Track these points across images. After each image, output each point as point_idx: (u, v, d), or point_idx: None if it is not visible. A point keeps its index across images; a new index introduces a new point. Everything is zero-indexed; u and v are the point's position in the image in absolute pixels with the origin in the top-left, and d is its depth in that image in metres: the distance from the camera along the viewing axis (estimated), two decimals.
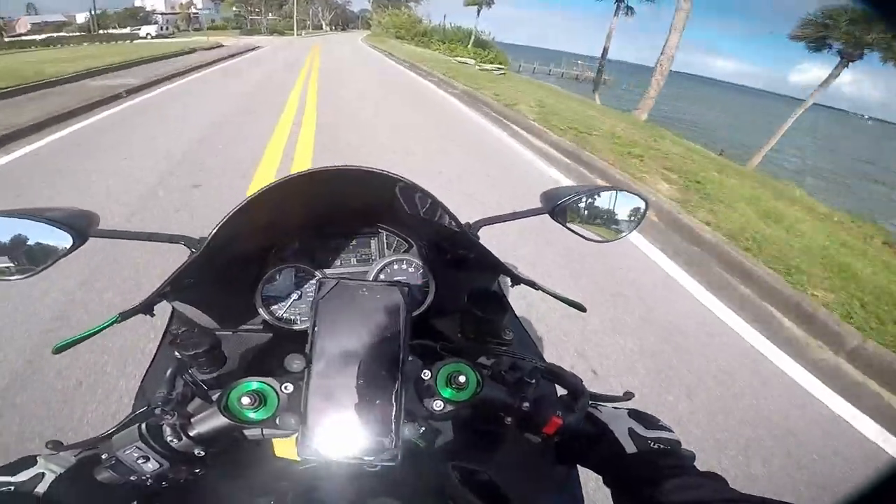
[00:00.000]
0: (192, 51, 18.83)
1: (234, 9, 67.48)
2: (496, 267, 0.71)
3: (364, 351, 0.50)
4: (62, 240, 0.51)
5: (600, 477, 0.53)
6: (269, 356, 0.72)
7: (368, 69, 16.03)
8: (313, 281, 0.76)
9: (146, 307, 0.62)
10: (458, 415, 0.54)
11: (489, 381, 0.54)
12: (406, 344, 0.50)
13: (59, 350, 0.58)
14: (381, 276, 0.81)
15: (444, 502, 0.56)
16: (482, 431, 0.64)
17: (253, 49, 23.02)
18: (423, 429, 0.51)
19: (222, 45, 24.31)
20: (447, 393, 0.52)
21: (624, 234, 0.72)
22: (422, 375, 0.53)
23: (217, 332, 0.68)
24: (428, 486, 0.57)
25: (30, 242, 0.51)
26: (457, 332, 0.76)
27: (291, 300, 0.78)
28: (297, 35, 49.38)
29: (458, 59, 21.88)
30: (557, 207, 0.66)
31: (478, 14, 33.86)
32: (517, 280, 0.72)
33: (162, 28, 43.78)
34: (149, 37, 48.37)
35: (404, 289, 0.53)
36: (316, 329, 0.50)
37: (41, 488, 0.43)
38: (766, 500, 0.39)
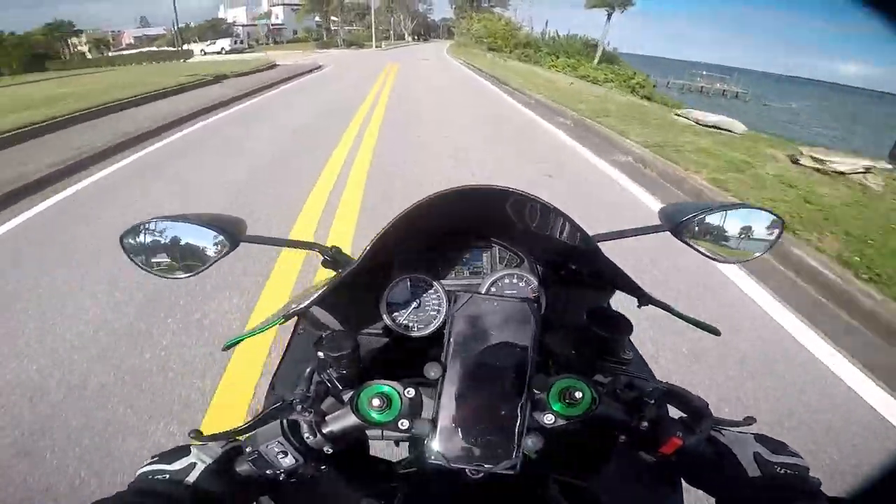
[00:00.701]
0: (223, 77, 13.71)
1: (316, 19, 65.20)
2: (622, 284, 0.68)
3: (494, 363, 0.52)
4: (218, 243, 0.56)
5: (712, 500, 0.53)
6: (387, 360, 0.74)
7: (477, 115, 8.76)
8: (432, 291, 0.78)
9: (304, 311, 0.66)
10: (568, 430, 0.54)
11: (605, 399, 0.54)
12: (534, 359, 0.52)
13: (228, 347, 0.67)
14: (493, 290, 0.80)
15: None
16: (586, 446, 0.64)
17: (310, 71, 17.89)
18: (542, 442, 0.52)
19: (275, 66, 19.06)
20: (558, 407, 0.52)
21: (755, 254, 0.67)
22: (535, 390, 0.54)
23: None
24: (529, 497, 0.58)
25: (191, 245, 0.57)
26: (568, 349, 0.75)
27: (411, 308, 0.80)
28: (376, 47, 45.45)
29: (585, 80, 15.15)
30: (681, 225, 0.63)
31: (608, 19, 25.52)
32: (645, 301, 0.68)
33: (237, 41, 40.90)
34: (223, 51, 46.41)
35: (534, 305, 0.55)
36: (451, 339, 0.53)
37: (191, 478, 0.47)
38: None
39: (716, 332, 0.72)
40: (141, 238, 0.57)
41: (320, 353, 0.61)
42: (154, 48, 58.61)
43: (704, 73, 42.46)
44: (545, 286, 0.82)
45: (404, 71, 17.74)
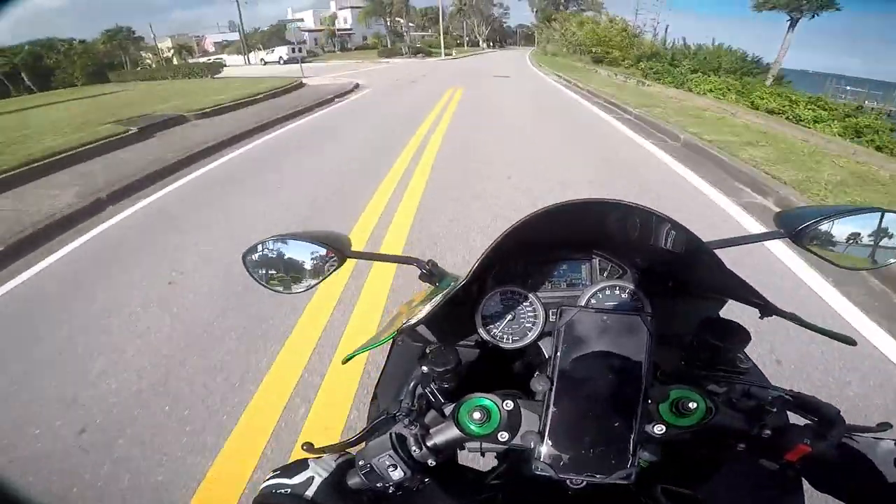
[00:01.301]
0: (172, 122, 8.76)
1: (387, 24, 61.39)
2: (744, 294, 0.64)
3: (605, 375, 0.52)
4: (329, 259, 0.61)
5: None
6: (481, 372, 0.75)
7: None
8: (527, 303, 0.78)
9: (415, 326, 0.68)
10: (680, 439, 0.54)
11: (723, 408, 0.53)
12: (650, 371, 0.51)
13: (346, 360, 0.68)
14: (593, 302, 0.79)
15: None
16: (695, 455, 0.62)
17: (344, 94, 12.74)
18: (645, 453, 0.51)
19: (303, 85, 14.34)
20: (668, 417, 0.52)
21: (889, 261, 0.63)
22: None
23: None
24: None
25: (303, 261, 0.62)
26: (676, 360, 0.73)
27: (506, 320, 0.79)
28: (445, 55, 40.68)
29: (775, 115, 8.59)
30: (802, 231, 0.62)
31: (792, 27, 17.31)
32: (769, 312, 0.64)
33: (297, 49, 37.20)
34: (281, 61, 43.16)
35: (648, 318, 0.54)
36: (558, 353, 0.53)
37: (310, 492, 0.49)
38: None
39: (852, 342, 0.68)
40: (259, 255, 0.63)
41: (424, 368, 0.61)
42: (224, 55, 58.02)
43: (849, 87, 31.24)
44: (650, 297, 0.80)
45: (477, 87, 12.30)
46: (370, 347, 0.67)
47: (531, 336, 0.74)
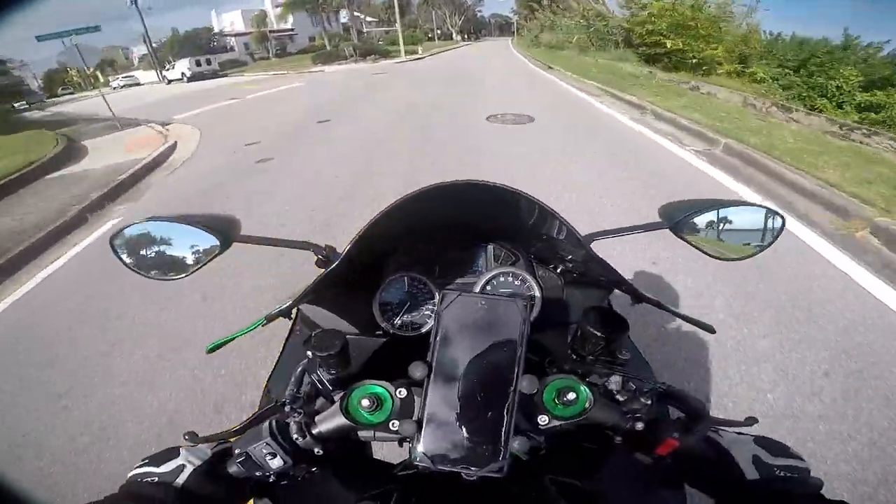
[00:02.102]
0: None
1: (342, 19, 51.12)
2: (615, 283, 0.70)
3: (482, 362, 0.51)
4: (211, 243, 0.57)
5: (712, 501, 0.52)
6: (382, 360, 0.74)
7: None
8: (426, 291, 0.79)
9: (287, 311, 0.68)
10: (564, 431, 0.55)
11: (600, 399, 0.54)
12: (523, 358, 0.51)
13: (211, 350, 0.67)
14: (488, 288, 0.82)
15: None
16: (584, 447, 0.64)
17: None
18: (532, 443, 0.51)
19: None
20: (553, 408, 0.53)
21: (756, 251, 0.69)
22: (528, 389, 0.53)
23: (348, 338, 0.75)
24: (525, 499, 0.57)
25: (183, 245, 0.58)
26: (564, 349, 0.73)
27: (405, 307, 0.80)
28: (408, 56, 28.75)
29: None
30: (679, 223, 0.66)
31: None
32: (639, 299, 0.71)
33: (202, 62, 27.28)
34: (184, 78, 32.04)
35: (522, 303, 0.54)
36: (437, 339, 0.53)
37: (181, 480, 0.48)
38: None
39: (710, 329, 0.73)
40: (131, 239, 0.59)
41: (309, 353, 0.61)
42: (139, 71, 47.22)
43: None
44: (541, 285, 0.82)
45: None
46: (237, 335, 0.65)
47: (431, 324, 0.70)
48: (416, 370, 0.50)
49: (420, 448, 0.48)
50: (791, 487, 0.47)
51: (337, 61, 27.82)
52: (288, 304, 0.64)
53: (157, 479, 0.48)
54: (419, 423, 0.49)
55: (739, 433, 0.55)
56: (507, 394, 0.49)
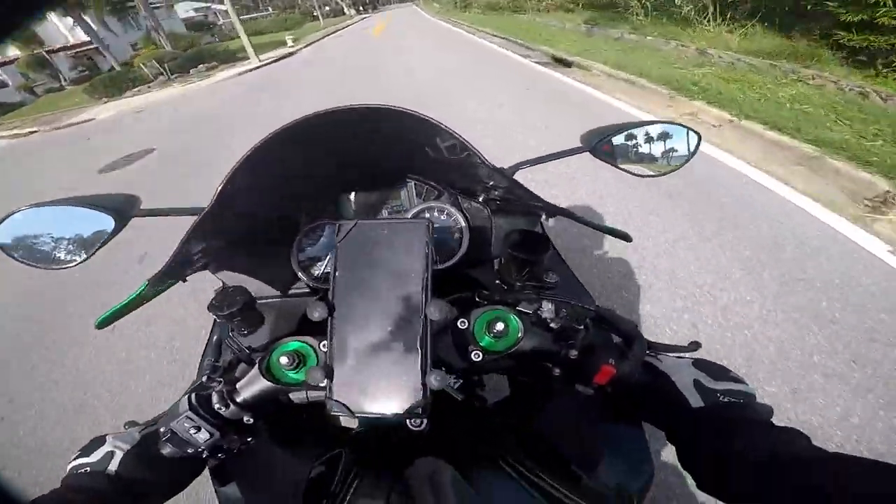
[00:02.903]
0: None
1: (189, 12, 37.06)
2: (533, 202, 0.68)
3: (388, 294, 0.49)
4: (104, 224, 0.54)
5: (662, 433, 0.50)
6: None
7: None
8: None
9: (172, 273, 0.60)
10: (502, 366, 0.54)
11: (532, 328, 0.53)
12: (430, 283, 0.49)
13: (101, 325, 0.61)
14: None
15: (495, 460, 0.55)
16: (534, 385, 0.63)
17: None
18: (459, 382, 0.49)
19: None
20: (486, 342, 0.51)
21: (672, 168, 0.70)
22: (458, 325, 0.53)
23: (259, 300, 0.72)
24: (478, 444, 0.57)
25: (74, 230, 0.55)
26: (493, 279, 0.74)
27: (326, 259, 0.78)
28: (264, 58, 15.71)
29: None
30: (599, 144, 0.66)
31: None
32: (552, 212, 0.69)
33: None
34: None
35: (423, 223, 0.52)
36: (337, 274, 0.50)
37: (113, 466, 0.48)
38: (851, 456, 0.37)
39: (627, 238, 0.72)
40: (15, 229, 0.55)
41: (214, 315, 0.59)
42: None
43: None
44: (468, 217, 0.81)
45: None
46: (123, 305, 0.60)
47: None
48: (315, 310, 0.47)
49: (332, 396, 0.46)
50: (739, 414, 0.45)
51: (136, 87, 15.11)
52: (166, 266, 0.55)
53: (89, 468, 0.48)
54: (328, 370, 0.47)
55: (679, 357, 0.53)
56: (418, 326, 0.47)
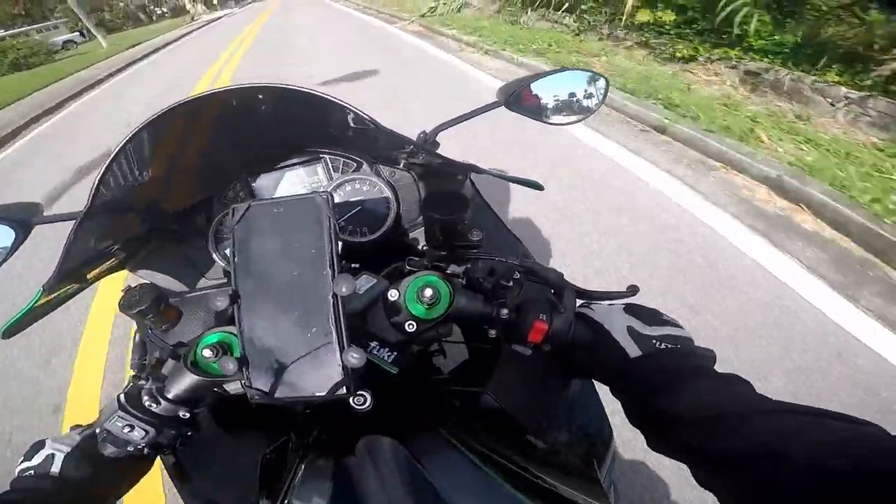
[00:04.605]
0: None
1: None
2: (452, 166, 0.69)
3: (293, 274, 0.48)
4: (5, 235, 0.54)
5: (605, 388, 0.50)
6: None
7: None
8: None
9: (69, 277, 0.59)
10: (440, 334, 0.54)
11: (463, 291, 0.53)
12: (335, 255, 0.48)
13: (6, 334, 0.58)
14: (337, 202, 0.76)
15: (435, 428, 0.55)
16: (476, 350, 0.64)
17: None
18: (394, 355, 0.50)
19: None
20: (419, 311, 0.51)
21: (585, 114, 0.73)
22: (389, 296, 0.52)
23: (185, 295, 0.76)
24: (423, 417, 0.57)
25: None
26: (417, 244, 0.76)
27: None
28: None
29: None
30: (512, 97, 0.67)
31: None
32: (465, 169, 0.71)
33: None
34: None
35: (324, 195, 0.50)
36: (236, 260, 0.49)
37: (55, 468, 0.48)
38: (795, 405, 0.38)
39: (539, 186, 0.75)
40: None
41: (126, 314, 0.59)
42: None
43: None
44: (392, 185, 0.80)
45: None
46: (25, 312, 0.58)
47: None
48: (217, 300, 0.46)
49: (249, 384, 0.46)
50: (680, 364, 0.44)
51: None
52: (57, 270, 0.54)
53: (33, 471, 0.49)
54: (241, 359, 0.46)
55: (611, 304, 0.53)
56: (328, 302, 0.46)
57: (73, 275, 0.59)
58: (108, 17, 47.08)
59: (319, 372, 0.45)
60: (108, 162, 0.50)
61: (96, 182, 0.51)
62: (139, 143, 0.51)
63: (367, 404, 0.46)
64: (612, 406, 0.59)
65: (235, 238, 0.49)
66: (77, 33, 31.17)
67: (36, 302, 0.57)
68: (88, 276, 0.63)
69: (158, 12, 43.73)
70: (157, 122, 0.50)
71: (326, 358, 0.45)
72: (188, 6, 42.77)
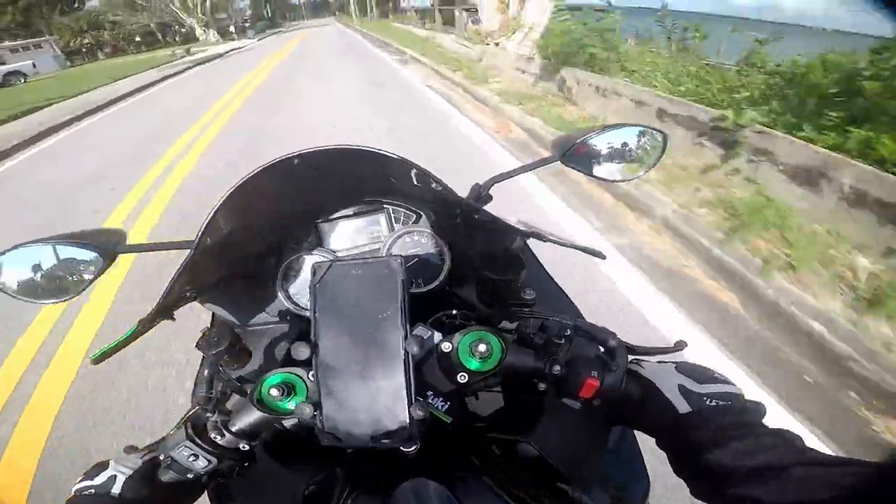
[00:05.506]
0: None
1: None
2: (502, 226, 0.69)
3: (368, 330, 0.52)
4: (93, 260, 0.57)
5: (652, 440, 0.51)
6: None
7: None
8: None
9: (163, 312, 0.62)
10: (489, 385, 0.56)
11: (515, 347, 0.55)
12: (407, 316, 0.52)
13: (96, 361, 0.61)
14: (394, 251, 0.82)
15: (484, 478, 0.56)
16: (523, 401, 0.64)
17: None
18: (447, 405, 0.54)
19: None
20: (471, 364, 0.53)
21: (643, 171, 0.72)
22: (442, 348, 0.55)
23: (247, 328, 0.80)
24: (467, 463, 0.58)
25: (65, 266, 0.57)
26: (477, 299, 0.76)
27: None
28: None
29: None
30: (569, 152, 0.67)
31: None
32: (525, 234, 0.71)
33: None
34: None
35: (398, 259, 0.54)
36: (317, 314, 0.53)
37: (116, 489, 0.50)
38: (849, 459, 0.38)
39: (601, 255, 0.73)
40: (9, 267, 0.57)
41: (203, 353, 0.61)
42: None
43: None
44: (447, 239, 0.82)
45: None
46: (120, 343, 0.61)
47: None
48: (299, 350, 0.50)
49: (323, 428, 0.49)
50: (730, 419, 0.45)
51: None
52: (158, 306, 0.59)
53: (93, 490, 0.50)
54: (317, 404, 0.50)
55: (661, 362, 0.54)
56: (399, 358, 0.50)
57: (166, 312, 0.63)
58: (105, 39, 40.93)
59: (387, 422, 0.48)
60: (214, 209, 0.54)
61: (203, 228, 0.54)
62: (242, 191, 0.54)
63: (414, 448, 0.50)
64: (648, 454, 0.64)
65: (316, 293, 0.53)
66: (30, 63, 24.19)
67: (130, 334, 0.60)
68: (174, 310, 0.67)
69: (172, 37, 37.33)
70: (260, 175, 0.54)
71: (395, 409, 0.48)
72: (199, 33, 36.29)
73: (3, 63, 25.55)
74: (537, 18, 8.76)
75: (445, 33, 14.14)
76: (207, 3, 36.08)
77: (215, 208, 0.54)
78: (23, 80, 21.75)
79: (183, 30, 40.15)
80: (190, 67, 17.04)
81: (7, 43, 29.33)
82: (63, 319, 2.68)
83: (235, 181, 0.53)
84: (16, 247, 0.56)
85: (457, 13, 13.14)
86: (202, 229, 0.54)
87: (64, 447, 1.89)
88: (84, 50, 40.55)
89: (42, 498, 1.71)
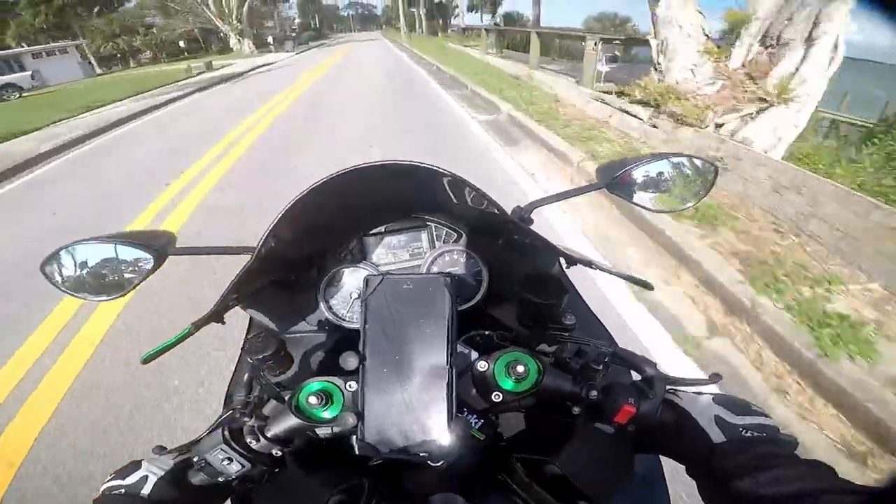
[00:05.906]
0: None
1: None
2: (549, 249, 0.70)
3: (414, 345, 0.53)
4: (144, 260, 0.57)
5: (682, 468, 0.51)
6: (339, 355, 0.74)
7: None
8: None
9: (215, 316, 0.65)
10: (522, 406, 0.56)
11: (552, 370, 0.55)
12: (453, 335, 0.53)
13: (146, 360, 0.61)
14: (434, 269, 0.83)
15: (510, 496, 0.57)
16: (550, 421, 0.63)
17: None
18: (481, 423, 0.54)
19: None
20: (507, 384, 0.53)
21: (691, 202, 0.69)
22: (478, 367, 0.55)
23: (286, 335, 0.81)
24: (493, 480, 0.59)
25: (116, 265, 0.57)
26: (515, 320, 0.76)
27: (352, 299, 0.82)
28: None
29: None
30: (615, 180, 0.66)
31: None
32: (572, 261, 0.72)
33: None
34: None
35: (448, 278, 0.55)
36: (367, 326, 0.54)
37: (146, 490, 0.50)
38: (883, 489, 0.37)
39: (649, 286, 0.73)
40: (62, 263, 0.57)
41: (248, 358, 0.62)
42: None
43: None
44: (486, 259, 0.83)
45: None
46: (169, 344, 0.62)
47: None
48: (348, 360, 0.50)
49: (363, 438, 0.50)
50: (763, 449, 0.45)
51: None
52: (212, 308, 0.62)
53: (123, 490, 0.50)
54: (359, 415, 0.50)
55: (699, 393, 0.54)
56: (443, 374, 0.50)
57: (218, 315, 0.64)
58: (135, 46, 38.78)
59: (425, 435, 0.49)
60: (276, 219, 0.55)
61: (264, 237, 0.56)
62: (301, 203, 0.55)
63: (445, 462, 0.49)
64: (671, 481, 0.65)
65: (367, 306, 0.54)
66: (29, 73, 21.31)
67: (181, 336, 0.61)
68: (224, 314, 0.68)
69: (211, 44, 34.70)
70: (321, 187, 0.54)
71: (434, 423, 0.49)
72: (233, 43, 33.47)
73: (24, 69, 23.04)
74: (815, 79, 4.15)
75: (542, 70, 9.37)
76: (244, 10, 33.16)
77: (277, 218, 0.56)
78: (17, 96, 18.84)
79: (223, 37, 37.55)
80: (200, 90, 13.33)
81: (26, 47, 27.05)
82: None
83: (296, 193, 0.54)
84: (76, 243, 0.56)
85: (588, 44, 6.97)
86: (263, 238, 0.57)
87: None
88: (118, 56, 38.59)
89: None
